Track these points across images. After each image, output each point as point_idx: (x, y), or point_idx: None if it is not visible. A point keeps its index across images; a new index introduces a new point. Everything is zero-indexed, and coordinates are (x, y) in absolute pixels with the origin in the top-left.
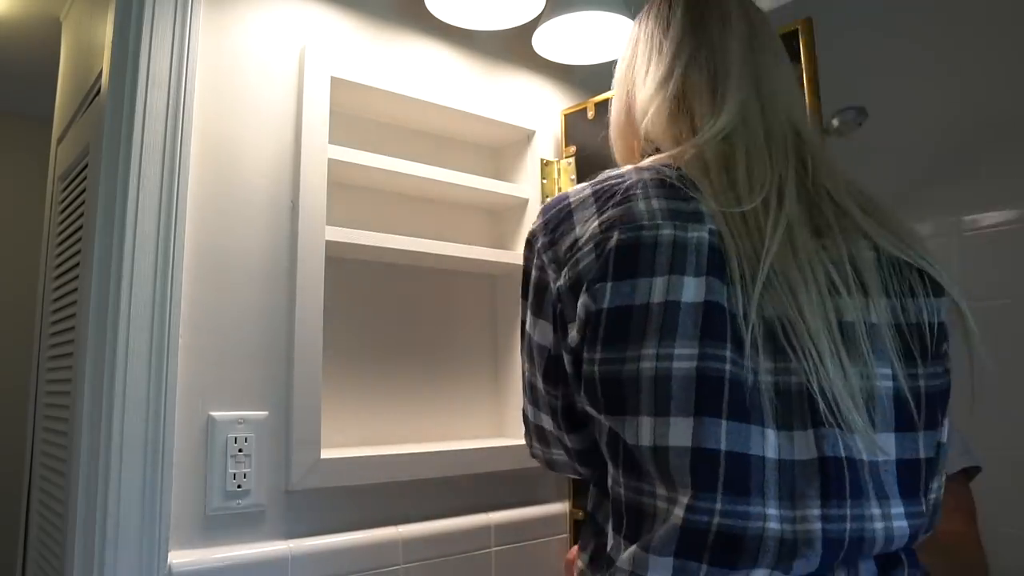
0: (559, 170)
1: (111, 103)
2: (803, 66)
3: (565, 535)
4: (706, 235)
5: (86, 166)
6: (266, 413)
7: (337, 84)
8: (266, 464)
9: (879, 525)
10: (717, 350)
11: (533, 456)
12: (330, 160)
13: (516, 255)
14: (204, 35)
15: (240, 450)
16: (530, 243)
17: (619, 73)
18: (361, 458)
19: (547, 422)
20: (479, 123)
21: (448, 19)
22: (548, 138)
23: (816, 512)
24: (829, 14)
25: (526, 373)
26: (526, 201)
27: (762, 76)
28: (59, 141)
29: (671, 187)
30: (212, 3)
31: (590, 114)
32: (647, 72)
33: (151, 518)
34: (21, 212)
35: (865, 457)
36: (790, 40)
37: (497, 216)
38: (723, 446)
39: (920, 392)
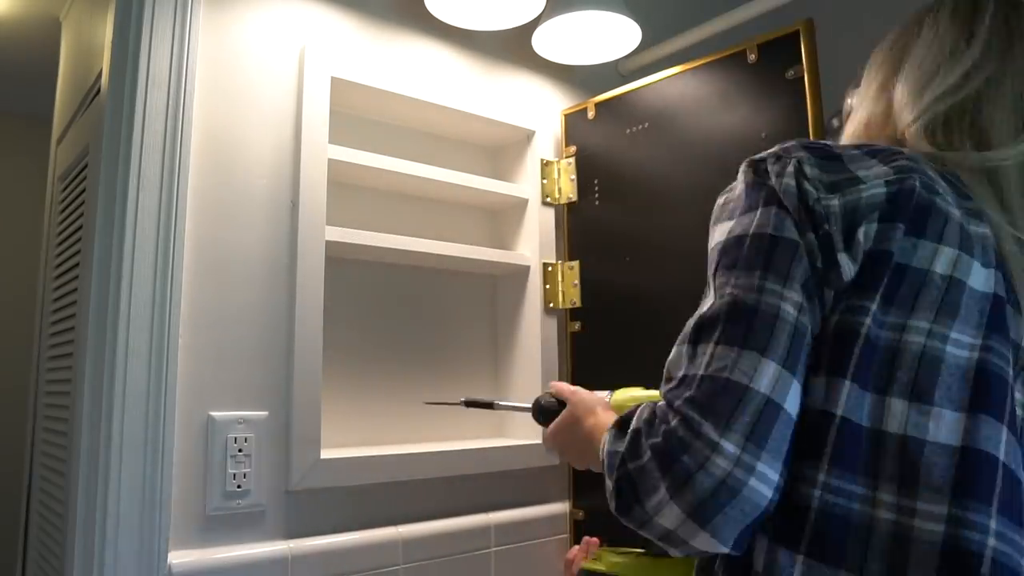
0: (559, 170)
1: (111, 103)
2: (804, 67)
3: (565, 535)
4: (991, 235)
5: (86, 166)
6: (266, 413)
7: (337, 84)
8: (266, 464)
9: None
10: (1002, 347)
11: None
12: (330, 160)
13: (516, 255)
14: (204, 35)
15: (240, 450)
16: (778, 157)
17: (888, 56)
18: (361, 458)
19: (774, 362)
20: (479, 123)
21: (448, 19)
22: (548, 138)
23: None
24: (829, 14)
25: (740, 292)
26: (526, 201)
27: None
28: (59, 141)
29: (947, 177)
30: (212, 3)
31: (590, 114)
32: (933, 69)
33: (151, 518)
34: (21, 212)
35: None
36: (791, 41)
37: (497, 216)
38: (1002, 455)
39: None
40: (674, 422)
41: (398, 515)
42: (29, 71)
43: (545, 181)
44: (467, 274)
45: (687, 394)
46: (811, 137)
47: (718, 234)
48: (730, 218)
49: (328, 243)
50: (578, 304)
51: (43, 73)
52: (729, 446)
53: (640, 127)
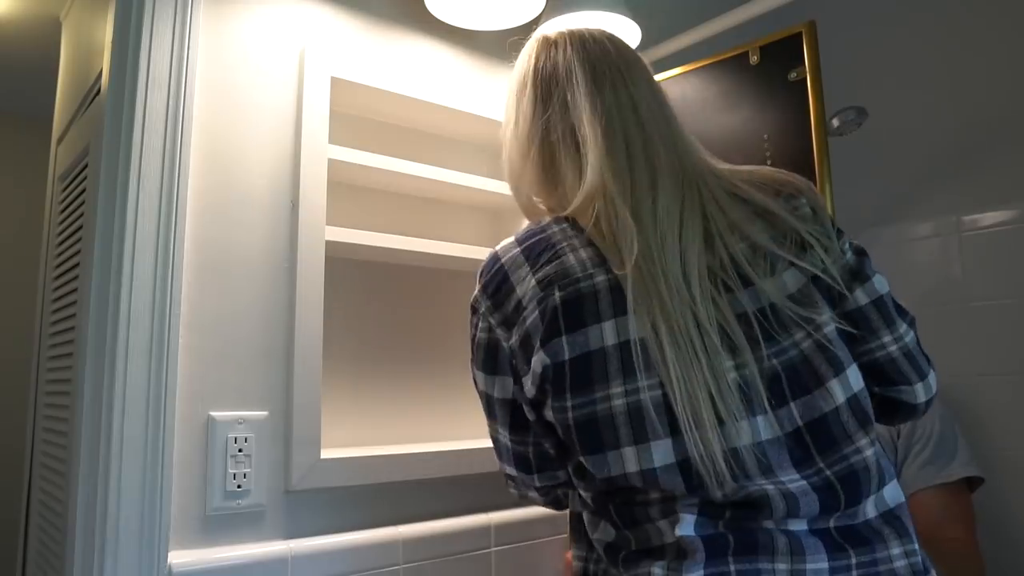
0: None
1: (111, 103)
2: (807, 69)
3: (565, 535)
4: (630, 280)
5: (86, 166)
6: (266, 413)
7: (337, 84)
8: (266, 464)
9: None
10: (636, 383)
11: (513, 493)
12: (330, 160)
13: None
14: (204, 35)
15: (240, 450)
16: (474, 309)
17: (512, 107)
18: (361, 458)
19: (513, 471)
20: (479, 123)
21: (448, 19)
22: None
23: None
24: (830, 15)
25: (490, 431)
26: None
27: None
28: (59, 141)
29: (584, 237)
30: (212, 3)
31: None
32: (515, 129)
33: (151, 518)
34: (21, 212)
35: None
36: (793, 43)
37: (497, 216)
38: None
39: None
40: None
41: (398, 515)
42: (29, 71)
43: None
44: (467, 274)
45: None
46: (814, 138)
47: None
48: (470, 360)
49: (328, 243)
50: None
51: (43, 73)
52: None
53: None
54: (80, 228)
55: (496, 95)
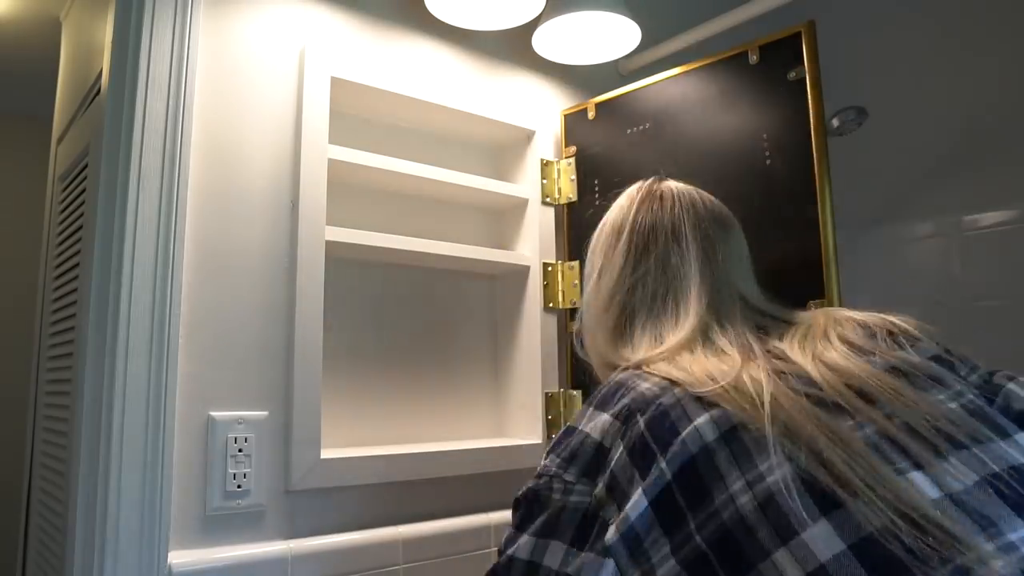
0: (559, 170)
1: (111, 103)
2: (806, 69)
3: None
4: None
5: (86, 166)
6: (266, 413)
7: (337, 84)
8: (266, 464)
9: None
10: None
11: None
12: (330, 160)
13: (516, 255)
14: (204, 35)
15: (240, 450)
16: (547, 475)
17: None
18: (361, 458)
19: None
20: (479, 123)
21: (448, 19)
22: (548, 138)
23: None
24: (830, 15)
25: None
26: (526, 201)
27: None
28: (59, 141)
29: (644, 376)
30: (212, 3)
31: (590, 114)
32: (597, 285)
33: (151, 518)
34: (21, 212)
35: None
36: (793, 42)
37: (497, 216)
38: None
39: None
40: None
41: (398, 515)
42: (29, 71)
43: (545, 181)
44: (467, 274)
45: None
46: (814, 138)
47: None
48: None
49: (328, 243)
50: (578, 304)
51: (43, 73)
52: None
53: (641, 127)
54: (80, 228)
55: (496, 95)
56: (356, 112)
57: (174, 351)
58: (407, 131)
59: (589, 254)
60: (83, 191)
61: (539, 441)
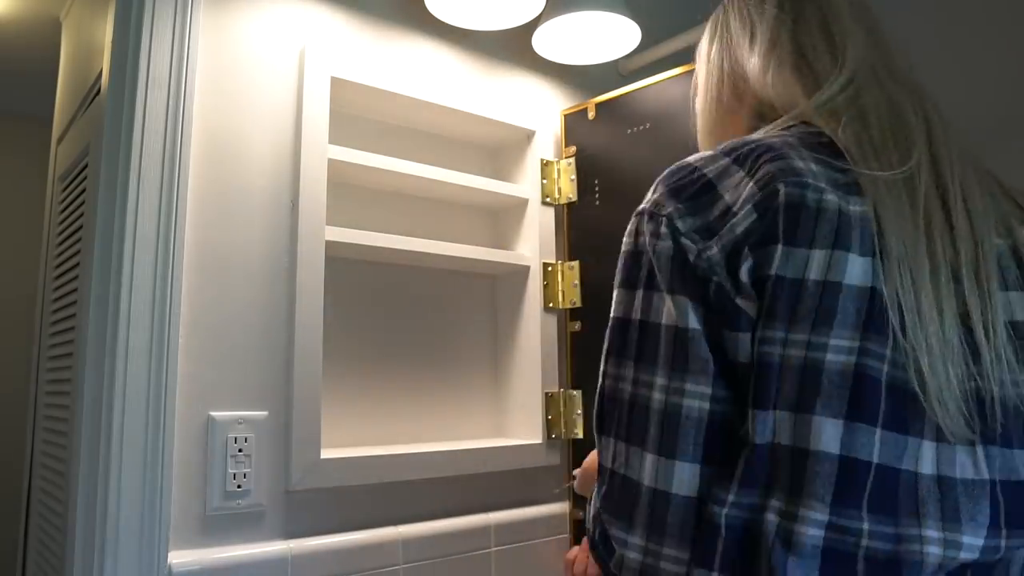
0: (559, 170)
1: (111, 103)
2: None
3: (565, 535)
4: (870, 211)
5: (86, 166)
6: (266, 413)
7: (337, 84)
8: (266, 464)
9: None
10: (879, 346)
11: (624, 563)
12: (330, 160)
13: (516, 255)
14: (204, 35)
15: (240, 450)
16: (651, 214)
17: (710, 57)
18: (361, 458)
19: (687, 471)
20: (479, 123)
21: (448, 19)
22: (548, 138)
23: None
24: None
25: (650, 393)
26: (526, 201)
27: (873, 32)
28: (59, 141)
29: (820, 148)
30: (212, 3)
31: (590, 114)
32: (752, 42)
33: (151, 518)
34: (21, 212)
35: None
36: None
37: (497, 216)
38: (875, 458)
39: None
40: (597, 530)
41: (398, 515)
42: (29, 71)
43: (545, 181)
44: (467, 274)
45: (603, 489)
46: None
47: (613, 302)
48: (617, 285)
49: (328, 243)
50: (578, 304)
51: (43, 73)
52: (636, 539)
53: (641, 128)
54: (80, 228)
55: (496, 95)
56: (356, 112)
57: (174, 351)
58: (407, 131)
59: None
60: (83, 191)
61: (539, 441)
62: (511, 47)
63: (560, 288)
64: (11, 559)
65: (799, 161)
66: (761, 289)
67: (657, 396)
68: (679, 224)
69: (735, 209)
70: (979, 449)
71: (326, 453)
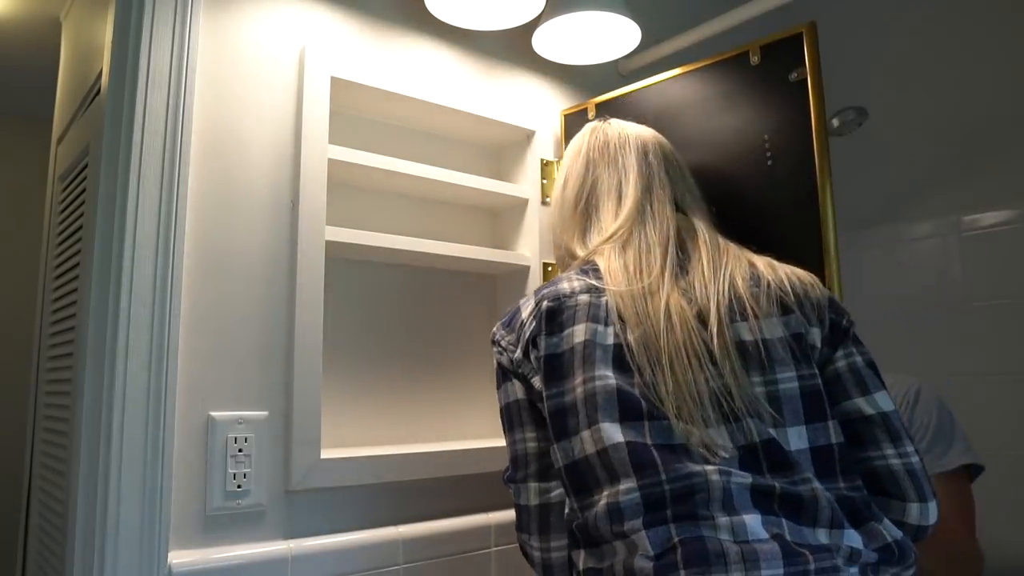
0: (559, 170)
1: (111, 103)
2: (807, 69)
3: None
4: (611, 300)
5: (86, 166)
6: (266, 413)
7: (337, 84)
8: (266, 464)
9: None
10: (628, 378)
11: (532, 559)
12: (330, 160)
13: (516, 255)
14: (204, 35)
15: (240, 450)
16: (495, 342)
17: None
18: (361, 458)
19: (536, 491)
20: (479, 123)
21: (448, 19)
22: (548, 138)
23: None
24: (831, 15)
25: (515, 446)
26: (526, 201)
27: (654, 180)
28: (59, 141)
29: (588, 273)
30: (212, 3)
31: (590, 115)
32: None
33: (151, 518)
34: (21, 212)
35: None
36: (794, 43)
37: (497, 216)
38: (649, 440)
39: None
40: (520, 544)
41: (398, 515)
42: (29, 71)
43: (545, 181)
44: (467, 274)
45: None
46: (815, 138)
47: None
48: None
49: (328, 243)
50: None
51: (43, 73)
52: (535, 542)
53: None
54: (80, 228)
55: (496, 95)
56: (356, 112)
57: (174, 351)
58: (407, 131)
59: (558, 176)
60: (83, 191)
61: None
62: (511, 47)
63: None
64: (11, 559)
65: (564, 283)
66: (539, 365)
67: (527, 447)
68: (503, 342)
69: (524, 320)
70: (719, 427)
71: (326, 453)
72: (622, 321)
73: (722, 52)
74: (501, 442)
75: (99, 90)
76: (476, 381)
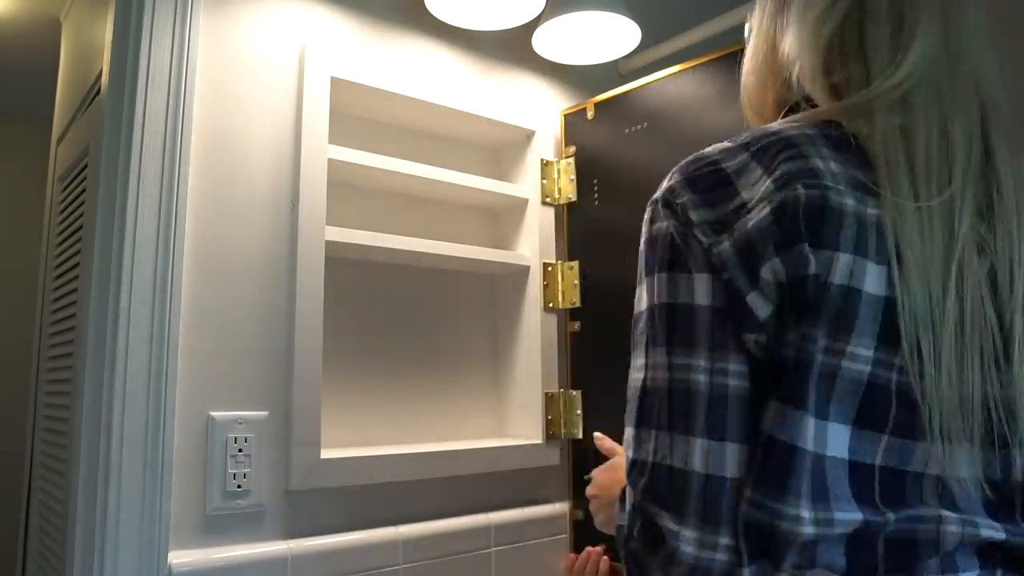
0: (559, 170)
1: (111, 103)
2: None
3: (565, 535)
4: (886, 216)
5: (86, 166)
6: (266, 413)
7: (337, 84)
8: (266, 464)
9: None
10: (891, 357)
11: (677, 559)
12: (330, 160)
13: (516, 255)
14: (204, 35)
15: (240, 450)
16: (666, 202)
17: (762, 20)
18: (361, 458)
19: (737, 452)
20: (479, 123)
21: (448, 19)
22: (548, 138)
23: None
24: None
25: (682, 374)
26: (526, 201)
27: (952, 16)
28: (59, 141)
29: (842, 148)
30: (212, 3)
31: (589, 114)
32: (804, 7)
33: (151, 518)
34: (21, 212)
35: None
36: None
37: (497, 216)
38: (879, 461)
39: None
40: (639, 523)
41: (398, 515)
42: (29, 71)
43: (545, 181)
44: (467, 274)
45: (642, 483)
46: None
47: (636, 297)
48: (639, 281)
49: (328, 243)
50: (578, 304)
51: (43, 73)
52: (688, 532)
53: (639, 127)
54: (80, 228)
55: (496, 95)
56: (356, 112)
57: (174, 351)
58: (407, 131)
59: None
60: (83, 191)
61: (539, 441)
62: (511, 47)
63: (560, 288)
64: (11, 559)
65: (818, 160)
66: (788, 289)
67: (701, 379)
68: (692, 215)
69: (750, 206)
70: (981, 452)
71: (326, 453)
72: (899, 260)
73: (718, 49)
74: (501, 442)
75: (99, 90)
76: (476, 381)
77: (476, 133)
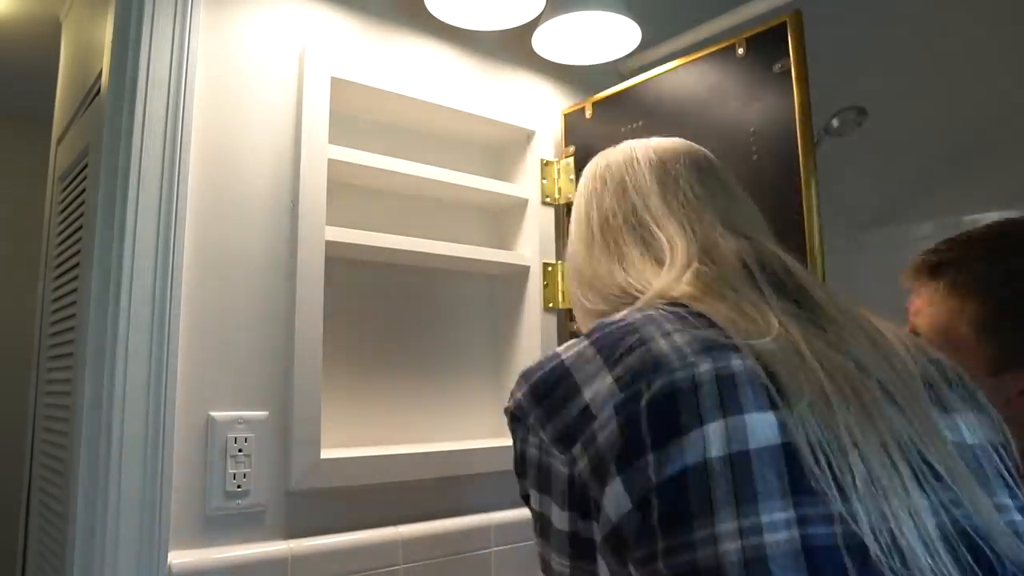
0: (559, 170)
1: (111, 103)
2: (791, 61)
3: None
4: (754, 364)
5: (86, 166)
6: (266, 413)
7: (337, 84)
8: (266, 464)
9: None
10: (818, 507)
11: None
12: (330, 160)
13: (516, 255)
14: (204, 35)
15: (240, 450)
16: (517, 418)
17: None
18: (361, 458)
19: None
20: (479, 123)
21: (448, 19)
22: (548, 138)
23: None
24: (830, 15)
25: (540, 551)
26: (526, 201)
27: (725, 205)
28: (59, 141)
29: (685, 318)
30: (212, 3)
31: (587, 113)
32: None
33: (151, 518)
34: (21, 212)
35: None
36: (778, 34)
37: (497, 216)
38: None
39: None
40: None
41: (398, 515)
42: (29, 71)
43: (545, 181)
44: (467, 274)
45: None
46: (798, 131)
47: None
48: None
49: (328, 243)
50: None
51: (43, 73)
52: None
53: (635, 125)
54: (80, 228)
55: (496, 95)
56: (356, 112)
57: (174, 351)
58: (407, 131)
59: (574, 210)
60: (83, 191)
61: None
62: (511, 47)
63: (560, 288)
64: (11, 559)
65: (661, 342)
66: (643, 508)
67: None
68: (543, 434)
69: (594, 411)
70: None
71: (326, 453)
72: (784, 398)
73: (711, 45)
74: (501, 442)
75: (99, 90)
76: (476, 381)
77: (476, 133)
